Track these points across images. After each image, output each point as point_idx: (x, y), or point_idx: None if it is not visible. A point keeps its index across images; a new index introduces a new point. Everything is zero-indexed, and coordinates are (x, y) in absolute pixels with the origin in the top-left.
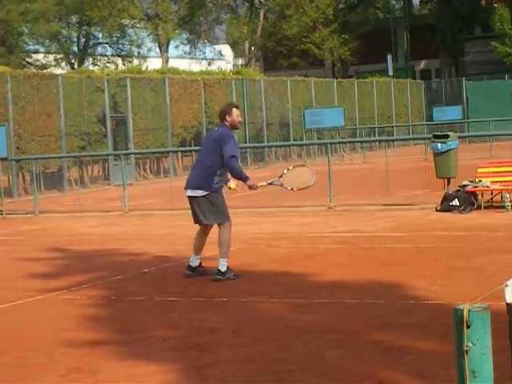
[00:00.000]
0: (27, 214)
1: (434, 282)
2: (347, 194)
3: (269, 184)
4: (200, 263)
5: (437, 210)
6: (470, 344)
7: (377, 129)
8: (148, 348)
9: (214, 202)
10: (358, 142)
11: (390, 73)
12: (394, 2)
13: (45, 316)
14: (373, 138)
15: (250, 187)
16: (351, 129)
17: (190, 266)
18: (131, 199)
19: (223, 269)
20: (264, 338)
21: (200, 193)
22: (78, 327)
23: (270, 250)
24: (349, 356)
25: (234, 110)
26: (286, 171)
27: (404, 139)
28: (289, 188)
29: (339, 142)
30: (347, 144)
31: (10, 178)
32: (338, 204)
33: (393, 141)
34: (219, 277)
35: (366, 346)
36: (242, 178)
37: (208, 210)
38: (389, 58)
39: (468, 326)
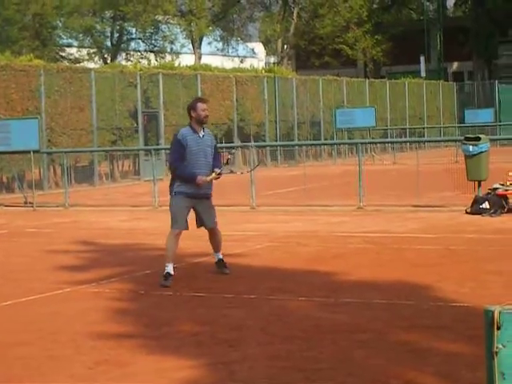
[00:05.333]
0: (57, 206)
1: (463, 284)
2: (377, 195)
3: (219, 174)
4: (221, 258)
5: (467, 213)
6: (500, 346)
7: (408, 130)
8: (176, 343)
9: (170, 205)
10: (388, 142)
11: (423, 74)
12: (428, 4)
13: (73, 308)
14: (404, 139)
15: (200, 183)
16: (382, 129)
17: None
18: (161, 194)
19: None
20: (292, 335)
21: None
22: (106, 320)
23: (300, 248)
24: (376, 356)
25: (199, 104)
26: (230, 156)
27: (435, 141)
28: (238, 172)
29: (370, 142)
30: (378, 144)
31: (42, 170)
32: (368, 204)
33: (424, 142)
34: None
35: (393, 347)
36: (190, 179)
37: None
38: (421, 59)
39: (498, 328)
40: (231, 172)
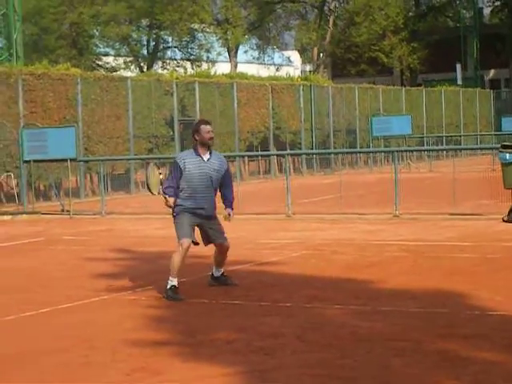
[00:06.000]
0: (94, 214)
1: (499, 292)
2: (413, 203)
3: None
4: (223, 273)
5: (503, 221)
6: None
7: (444, 138)
8: (211, 350)
9: (174, 222)
10: (424, 150)
11: (459, 82)
12: (464, 11)
13: (110, 316)
14: (440, 147)
15: (166, 204)
16: (418, 137)
17: (212, 275)
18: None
19: (167, 286)
20: (328, 344)
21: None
22: (142, 327)
23: (336, 256)
24: (412, 364)
25: (203, 127)
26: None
27: (472, 149)
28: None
29: (406, 150)
30: (414, 152)
31: (78, 178)
32: (404, 212)
33: (460, 150)
34: (164, 294)
35: (430, 355)
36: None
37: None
38: (458, 66)
39: None
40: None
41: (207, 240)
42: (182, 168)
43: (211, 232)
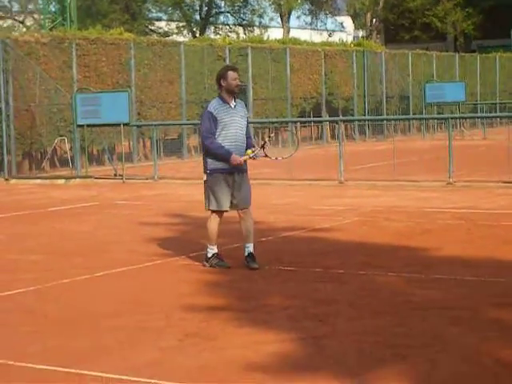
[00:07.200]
0: (146, 179)
1: None
2: (467, 170)
3: (252, 157)
4: (249, 253)
5: None
6: None
7: (498, 105)
8: (265, 316)
9: (206, 184)
10: (479, 117)
11: None
12: None
13: (164, 280)
14: (494, 114)
15: (234, 164)
16: (472, 104)
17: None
18: (248, 168)
19: (208, 255)
20: (381, 311)
21: (204, 177)
22: (196, 292)
23: (388, 223)
24: (467, 333)
25: (230, 73)
26: (267, 139)
27: None
28: (273, 158)
29: (460, 117)
30: (467, 119)
31: (131, 143)
32: (458, 180)
33: None
34: (206, 263)
35: (485, 324)
36: (224, 158)
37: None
38: None
39: None
40: (266, 156)
41: (233, 205)
42: (216, 118)
43: (238, 194)
